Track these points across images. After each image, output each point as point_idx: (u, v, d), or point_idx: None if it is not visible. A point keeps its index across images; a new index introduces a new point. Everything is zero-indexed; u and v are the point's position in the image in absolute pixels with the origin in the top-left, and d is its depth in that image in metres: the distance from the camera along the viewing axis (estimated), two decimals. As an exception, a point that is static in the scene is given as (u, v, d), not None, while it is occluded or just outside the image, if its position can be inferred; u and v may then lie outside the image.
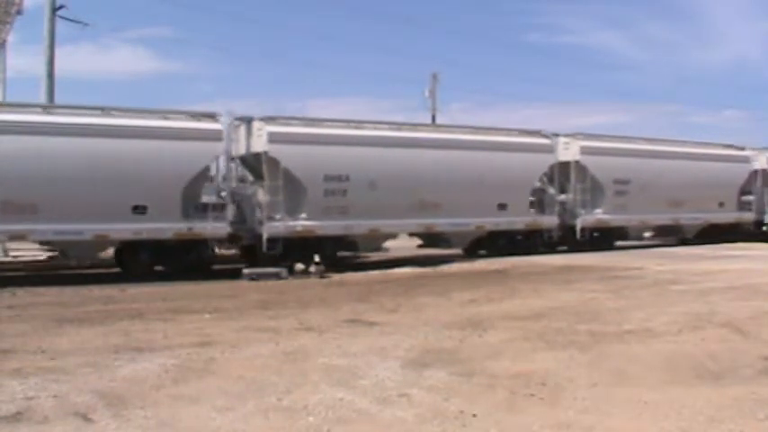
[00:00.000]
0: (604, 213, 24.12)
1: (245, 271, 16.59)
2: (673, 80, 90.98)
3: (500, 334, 8.98)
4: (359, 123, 20.60)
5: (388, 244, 22.11)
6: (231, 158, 18.92)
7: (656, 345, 8.29)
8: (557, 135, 23.80)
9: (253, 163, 19.15)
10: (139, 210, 16.62)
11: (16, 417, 5.55)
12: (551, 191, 23.36)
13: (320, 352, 7.91)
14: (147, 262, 17.37)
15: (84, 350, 8.09)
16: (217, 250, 19.18)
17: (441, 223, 20.56)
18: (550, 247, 23.16)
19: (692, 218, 26.66)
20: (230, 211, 17.92)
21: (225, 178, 18.69)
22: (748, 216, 28.69)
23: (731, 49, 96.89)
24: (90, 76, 77.98)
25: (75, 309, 11.71)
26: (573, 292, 13.30)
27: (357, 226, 19.14)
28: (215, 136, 17.74)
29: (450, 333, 9.02)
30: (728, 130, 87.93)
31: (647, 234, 28.51)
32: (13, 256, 20.75)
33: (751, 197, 28.80)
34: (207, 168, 17.88)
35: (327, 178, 18.69)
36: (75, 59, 70.98)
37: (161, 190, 16.78)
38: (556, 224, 22.80)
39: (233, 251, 19.96)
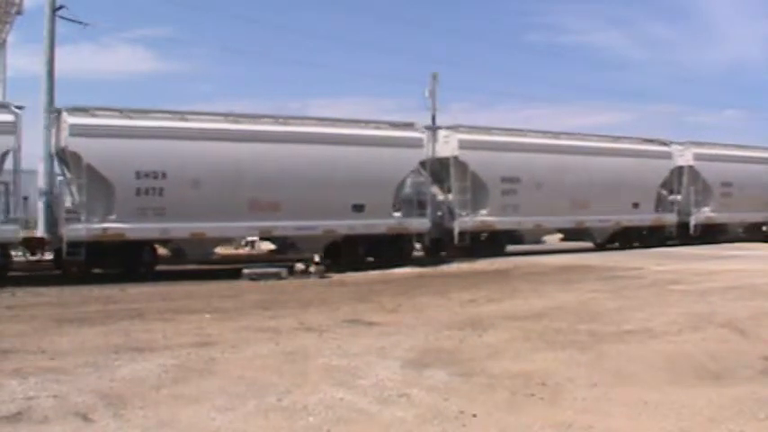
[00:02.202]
0: (489, 215, 21.61)
1: (245, 271, 16.59)
2: (673, 80, 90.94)
3: (500, 334, 8.98)
4: (182, 115, 18.30)
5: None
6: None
7: (657, 345, 8.29)
8: (437, 128, 21.84)
9: (64, 159, 17.42)
10: None
11: (16, 417, 5.55)
12: (424, 190, 20.85)
13: (320, 352, 7.91)
14: None
15: (84, 350, 8.09)
16: (20, 256, 17.51)
17: (281, 226, 18.32)
18: (430, 254, 21.50)
19: (599, 220, 24.03)
20: (21, 211, 16.36)
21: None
22: (669, 218, 25.96)
23: (731, 49, 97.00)
24: (90, 76, 77.91)
25: (75, 309, 11.72)
26: (573, 292, 13.30)
27: (176, 229, 17.13)
28: (5, 129, 15.85)
29: (450, 333, 9.02)
30: (728, 130, 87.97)
31: (557, 238, 26.07)
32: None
33: (677, 197, 26.41)
34: None
35: (140, 175, 16.67)
36: (75, 59, 71.06)
37: None
38: (427, 227, 20.36)
39: (38, 257, 17.87)
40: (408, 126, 20.92)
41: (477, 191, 21.31)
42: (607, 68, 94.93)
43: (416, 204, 20.38)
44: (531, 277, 16.19)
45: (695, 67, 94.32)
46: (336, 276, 17.01)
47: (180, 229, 17.18)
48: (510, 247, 22.65)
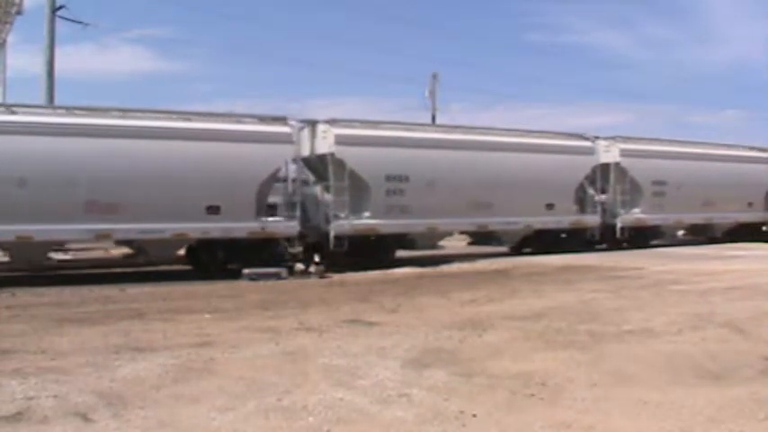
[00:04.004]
0: (372, 217, 19.49)
1: (245, 271, 16.55)
2: (673, 80, 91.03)
3: (500, 334, 8.98)
4: (9, 108, 16.72)
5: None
6: None
7: (656, 345, 8.29)
8: (315, 122, 19.69)
9: None
10: None
11: (16, 417, 5.55)
12: (294, 190, 19.02)
13: (320, 352, 7.91)
14: None
15: (84, 350, 8.09)
16: None
17: (122, 229, 16.72)
18: (305, 260, 18.70)
19: (505, 222, 21.70)
20: None
21: None
22: (591, 220, 23.54)
23: (731, 49, 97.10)
24: (90, 76, 78.12)
25: (75, 309, 11.71)
26: (573, 292, 13.29)
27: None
28: None
29: (450, 333, 9.01)
30: (728, 130, 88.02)
31: (464, 242, 24.14)
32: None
33: (602, 197, 24.18)
34: None
35: None
36: (76, 59, 71.14)
37: None
38: (296, 231, 18.45)
39: None
40: (278, 120, 18.99)
41: (357, 191, 19.22)
42: (607, 68, 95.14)
43: (287, 206, 18.69)
44: (531, 277, 16.17)
45: (695, 67, 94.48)
46: (336, 276, 17.00)
47: (2, 231, 15.56)
48: (402, 254, 20.90)
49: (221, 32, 79.01)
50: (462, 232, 23.49)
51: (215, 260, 18.10)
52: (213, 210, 17.43)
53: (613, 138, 24.86)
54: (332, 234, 18.83)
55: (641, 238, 24.89)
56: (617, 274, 16.31)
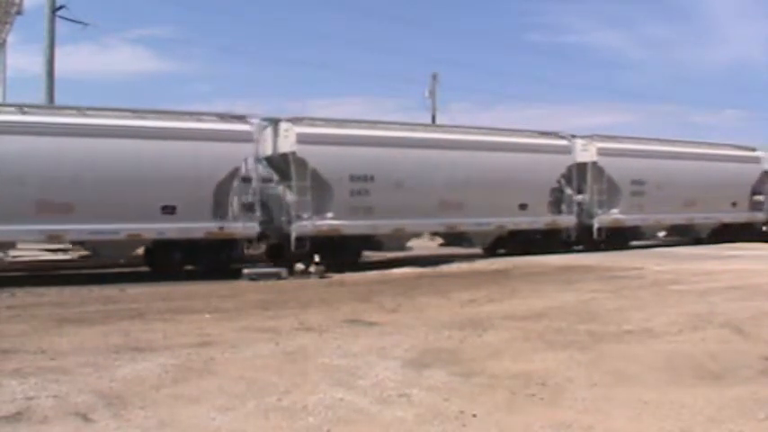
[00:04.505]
0: (335, 218, 18.94)
1: (245, 271, 16.52)
2: (673, 80, 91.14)
3: (500, 334, 8.98)
4: None
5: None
6: None
7: (656, 345, 8.29)
8: (278, 120, 19.18)
9: None
10: None
11: (16, 417, 5.55)
12: (254, 189, 18.47)
13: (320, 352, 7.91)
14: None
15: (84, 350, 8.09)
16: None
17: (74, 230, 16.22)
18: (270, 261, 18.91)
19: (477, 223, 21.19)
20: None
21: None
22: (566, 220, 22.99)
23: (731, 49, 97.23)
24: (90, 76, 78.18)
25: (75, 309, 11.71)
26: (573, 292, 13.29)
27: None
28: None
29: (450, 333, 9.02)
30: (729, 130, 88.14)
31: (435, 244, 23.57)
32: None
33: (579, 197, 23.64)
34: None
35: None
36: (75, 59, 71.17)
37: None
38: (255, 232, 18.13)
39: None
40: (238, 118, 18.58)
41: (320, 191, 18.70)
42: (607, 68, 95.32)
43: (246, 206, 18.18)
44: (531, 277, 16.17)
45: (695, 67, 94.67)
46: (336, 276, 16.98)
47: None
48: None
49: (221, 32, 79.16)
50: (432, 233, 23.06)
51: (171, 261, 17.62)
52: (169, 210, 16.94)
53: (591, 136, 24.30)
54: (293, 235, 18.35)
55: (620, 238, 24.28)
56: (616, 274, 16.31)
